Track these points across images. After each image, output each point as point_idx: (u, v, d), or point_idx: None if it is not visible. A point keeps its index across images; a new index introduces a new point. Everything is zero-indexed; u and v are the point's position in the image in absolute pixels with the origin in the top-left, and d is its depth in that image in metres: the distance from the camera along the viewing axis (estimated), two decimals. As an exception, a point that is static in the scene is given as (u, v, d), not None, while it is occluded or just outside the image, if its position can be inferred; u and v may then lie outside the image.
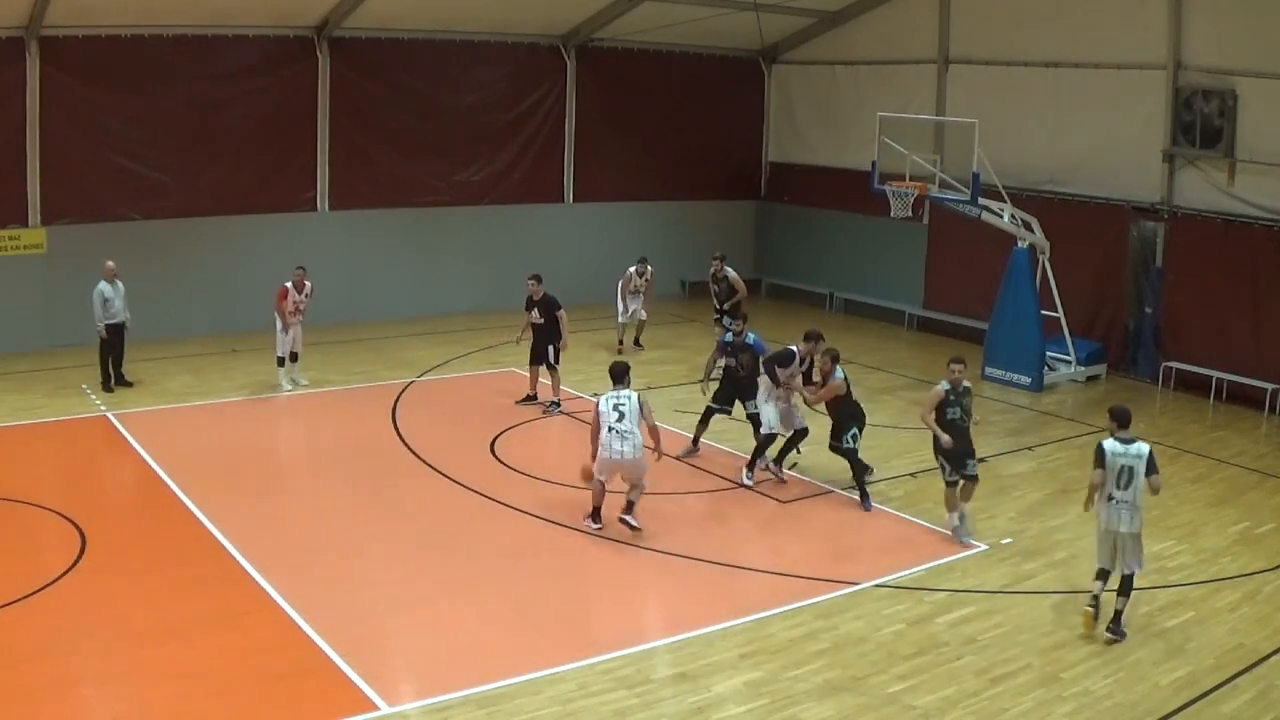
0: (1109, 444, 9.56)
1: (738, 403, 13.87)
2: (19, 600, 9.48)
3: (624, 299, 19.66)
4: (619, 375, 11.79)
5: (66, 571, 10.13)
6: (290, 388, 16.46)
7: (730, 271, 18.68)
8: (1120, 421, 9.61)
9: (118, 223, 18.53)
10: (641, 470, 11.50)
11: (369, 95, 20.69)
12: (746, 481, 13.07)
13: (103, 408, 15.25)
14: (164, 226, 18.97)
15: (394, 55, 20.88)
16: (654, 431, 11.69)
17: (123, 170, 18.63)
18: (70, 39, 17.84)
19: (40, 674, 8.38)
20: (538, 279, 15.84)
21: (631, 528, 11.35)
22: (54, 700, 8.10)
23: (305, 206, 20.53)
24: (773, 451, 13.24)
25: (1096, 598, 9.57)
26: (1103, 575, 9.67)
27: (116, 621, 9.27)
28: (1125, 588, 9.56)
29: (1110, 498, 9.48)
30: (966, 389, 11.45)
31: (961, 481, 11.49)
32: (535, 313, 15.64)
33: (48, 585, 9.81)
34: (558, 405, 15.73)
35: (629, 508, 11.46)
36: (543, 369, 15.78)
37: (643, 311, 19.78)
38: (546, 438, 14.90)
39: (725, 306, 18.57)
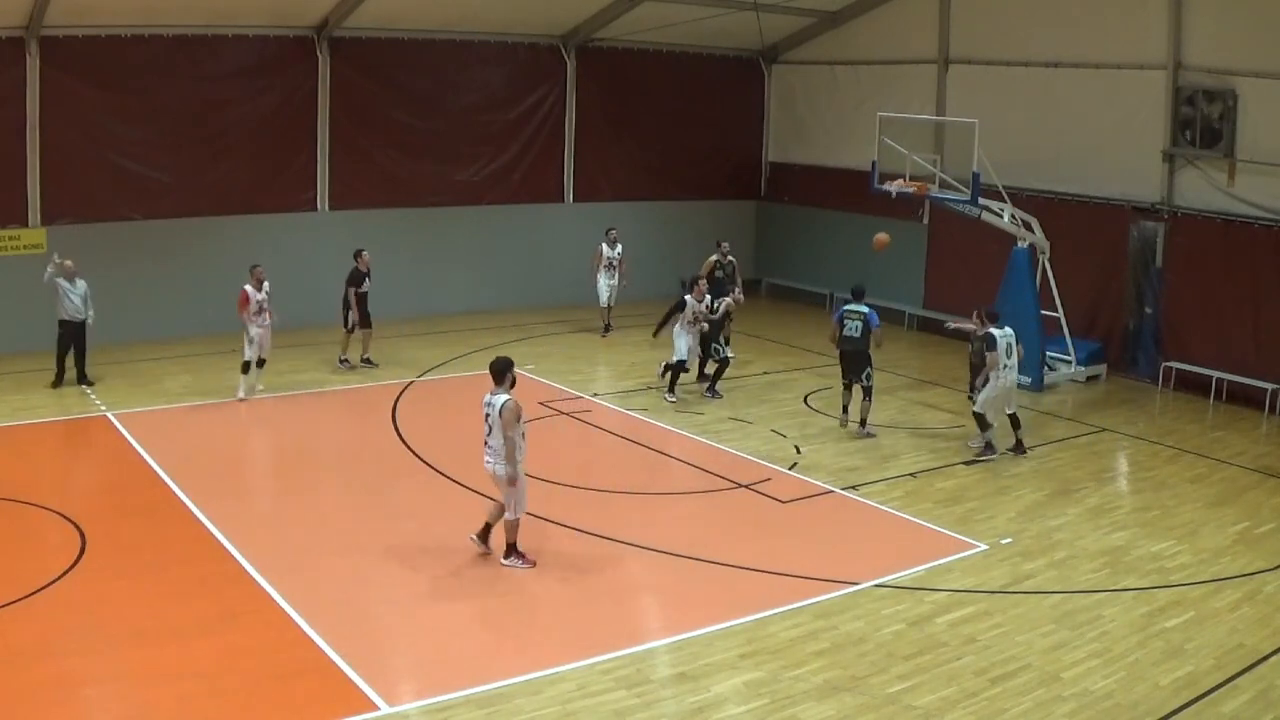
0: (996, 332, 14.01)
1: None
2: (19, 600, 9.48)
3: (594, 275, 20.17)
4: (496, 373, 10.31)
5: (66, 571, 10.12)
6: (244, 396, 15.75)
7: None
8: (995, 320, 14.20)
9: (118, 223, 18.53)
10: (504, 489, 10.32)
11: (369, 95, 20.68)
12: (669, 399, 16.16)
13: (103, 408, 15.25)
14: (164, 226, 18.97)
15: (394, 55, 20.87)
16: (508, 450, 10.11)
17: (123, 170, 18.61)
18: (70, 39, 17.83)
19: (40, 674, 8.38)
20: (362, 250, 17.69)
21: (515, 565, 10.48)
22: (54, 700, 8.09)
23: (305, 206, 20.52)
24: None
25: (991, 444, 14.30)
26: (986, 422, 14.27)
27: (116, 621, 9.26)
28: (1019, 421, 14.52)
29: (1005, 366, 13.98)
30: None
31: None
32: (368, 283, 17.51)
33: (48, 585, 9.80)
34: (369, 361, 17.81)
35: (508, 550, 10.45)
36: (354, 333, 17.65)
37: (611, 294, 20.26)
38: (545, 438, 14.87)
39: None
